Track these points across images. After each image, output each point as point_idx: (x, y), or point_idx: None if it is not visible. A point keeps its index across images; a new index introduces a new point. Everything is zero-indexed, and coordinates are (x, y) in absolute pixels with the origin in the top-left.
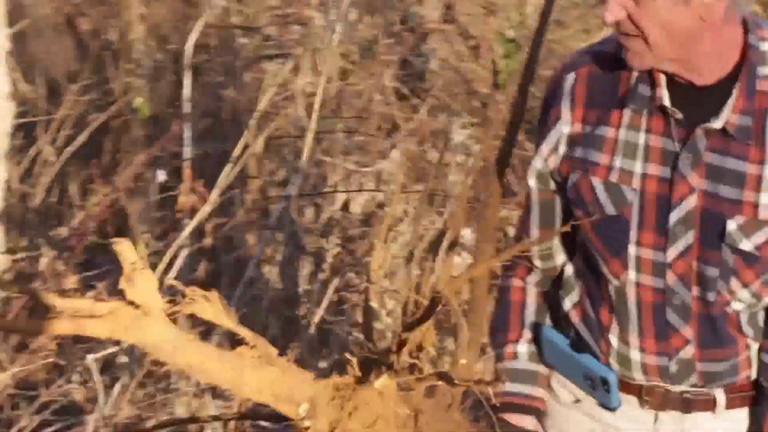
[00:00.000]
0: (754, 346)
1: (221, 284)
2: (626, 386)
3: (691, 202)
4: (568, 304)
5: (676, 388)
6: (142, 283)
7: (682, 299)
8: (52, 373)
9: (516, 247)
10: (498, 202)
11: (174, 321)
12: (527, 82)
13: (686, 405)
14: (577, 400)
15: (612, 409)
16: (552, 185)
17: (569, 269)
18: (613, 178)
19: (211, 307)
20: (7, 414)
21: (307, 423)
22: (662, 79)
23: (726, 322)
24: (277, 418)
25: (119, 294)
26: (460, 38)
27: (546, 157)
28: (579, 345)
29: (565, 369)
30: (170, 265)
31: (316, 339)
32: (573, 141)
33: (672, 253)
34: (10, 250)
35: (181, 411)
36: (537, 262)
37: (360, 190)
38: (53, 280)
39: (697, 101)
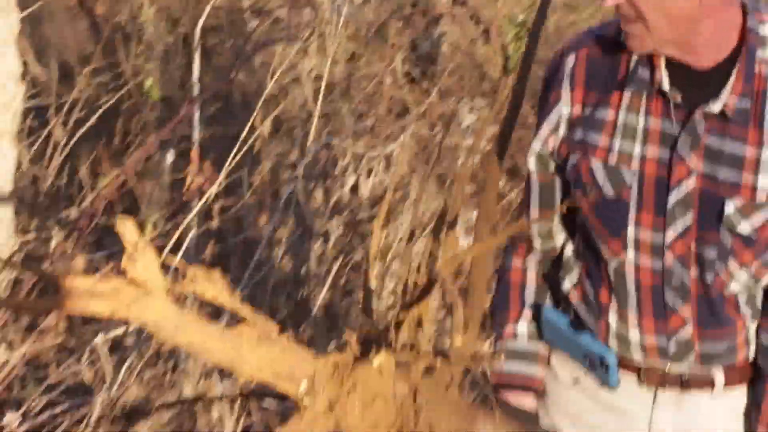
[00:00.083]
0: (752, 327)
1: (230, 266)
2: (625, 365)
3: (690, 184)
4: (567, 284)
5: (675, 368)
6: (144, 262)
7: (681, 280)
8: (62, 354)
9: (513, 227)
10: (497, 183)
11: (182, 302)
12: (528, 64)
13: (685, 384)
14: (577, 379)
15: (611, 388)
16: (552, 167)
17: (569, 250)
18: (612, 160)
19: (212, 286)
20: (16, 394)
21: (306, 400)
22: (662, 62)
23: (724, 303)
24: (280, 396)
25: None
26: (470, 22)
27: (545, 138)
28: (578, 325)
29: (565, 348)
30: (178, 246)
31: (325, 320)
32: (572, 123)
33: (671, 234)
34: (20, 232)
35: (188, 391)
36: (537, 243)
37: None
38: (62, 261)
39: (696, 84)
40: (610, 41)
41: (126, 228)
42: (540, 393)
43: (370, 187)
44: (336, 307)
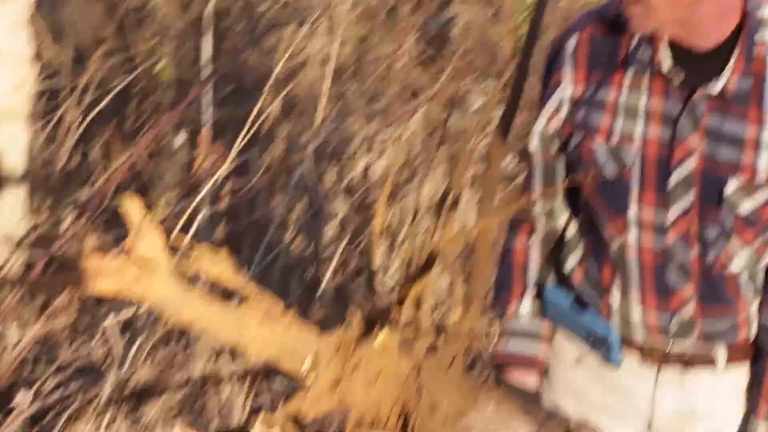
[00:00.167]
0: (754, 305)
1: (241, 246)
2: (628, 344)
3: (691, 164)
4: (570, 263)
5: (677, 346)
6: (149, 240)
7: (683, 259)
8: (74, 334)
9: (515, 205)
10: (500, 163)
11: (192, 282)
12: (530, 46)
13: (687, 363)
14: (580, 358)
15: (614, 367)
16: (554, 147)
17: (572, 229)
18: (614, 140)
19: (217, 264)
20: (28, 373)
21: (310, 378)
22: (663, 43)
23: (725, 282)
24: (288, 376)
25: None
26: (481, 3)
27: (548, 119)
28: (581, 304)
29: (568, 327)
30: (189, 226)
31: (336, 301)
32: (574, 104)
33: (672, 214)
34: (33, 213)
35: (199, 371)
36: (540, 223)
37: None
38: (74, 241)
39: (697, 65)
40: (611, 22)
41: (131, 207)
42: (543, 372)
43: (381, 169)
44: (347, 289)
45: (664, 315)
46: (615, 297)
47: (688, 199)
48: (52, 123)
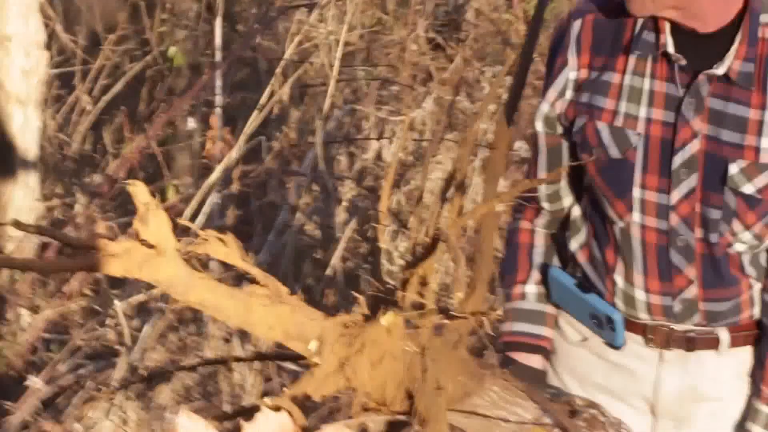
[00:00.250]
0: (757, 286)
1: (254, 230)
2: (631, 325)
3: (694, 146)
4: (574, 245)
5: (680, 327)
6: (155, 223)
7: (686, 241)
8: (86, 318)
9: (519, 187)
10: (506, 145)
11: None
12: (535, 30)
13: (690, 343)
14: (584, 339)
15: (617, 348)
16: (559, 130)
17: (576, 211)
18: (618, 122)
19: (223, 247)
20: (41, 356)
21: (316, 359)
22: (666, 26)
23: (728, 263)
24: (293, 357)
25: None
26: None
27: (553, 102)
28: (585, 285)
29: (572, 308)
30: (200, 210)
31: (349, 286)
32: (579, 86)
33: (676, 195)
34: (46, 197)
35: (210, 355)
36: (545, 205)
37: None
38: (85, 225)
39: (700, 48)
40: (615, 6)
41: (138, 190)
42: (548, 353)
43: (392, 153)
44: (357, 272)
45: (667, 296)
46: (618, 278)
47: (691, 180)
48: (65, 108)
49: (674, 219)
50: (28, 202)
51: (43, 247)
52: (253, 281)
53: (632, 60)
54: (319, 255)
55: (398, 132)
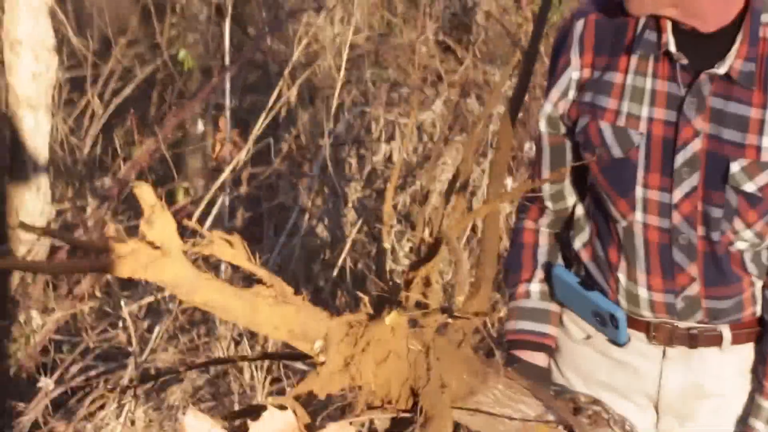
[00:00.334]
0: (758, 284)
1: (264, 232)
2: (634, 323)
3: (696, 145)
4: (578, 243)
5: (683, 325)
6: (160, 224)
7: (688, 239)
8: (97, 319)
9: (523, 186)
10: (509, 145)
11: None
12: (539, 31)
13: (693, 340)
14: (588, 337)
15: (621, 345)
16: (562, 129)
17: (580, 210)
18: (621, 121)
19: (230, 248)
20: (52, 358)
21: (321, 358)
22: (668, 25)
23: (730, 261)
24: (300, 357)
25: None
26: None
27: (556, 102)
28: (589, 283)
29: (576, 306)
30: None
31: (356, 286)
32: (582, 86)
33: (678, 194)
34: (57, 201)
35: (220, 356)
36: (549, 204)
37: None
38: (96, 228)
39: (702, 47)
40: (617, 6)
41: (143, 192)
42: (552, 351)
43: (404, 155)
44: (368, 273)
45: (670, 294)
46: (621, 276)
47: (693, 179)
48: (76, 112)
49: (676, 217)
50: (39, 206)
51: (54, 250)
52: (259, 282)
53: (634, 59)
54: (329, 256)
55: (406, 134)
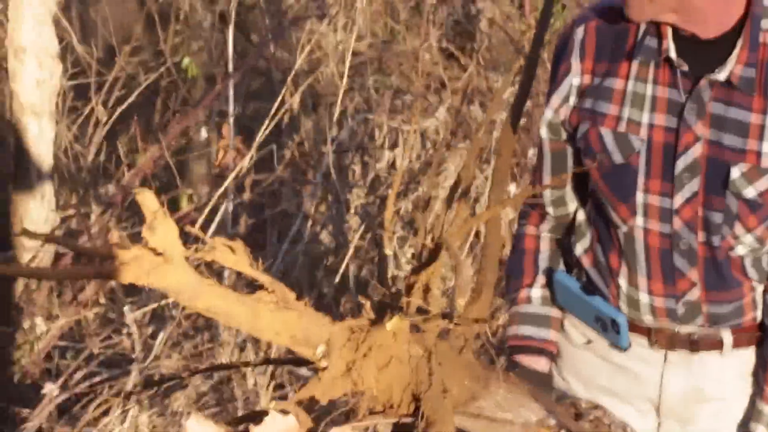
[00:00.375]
0: (759, 289)
1: (268, 239)
2: (635, 327)
3: (697, 150)
4: (579, 249)
5: (684, 329)
6: (163, 230)
7: (689, 244)
8: (102, 326)
9: (524, 192)
10: (511, 152)
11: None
12: (540, 38)
13: (694, 345)
14: (589, 341)
15: (622, 350)
16: (563, 135)
17: (581, 216)
18: (621, 128)
19: (232, 254)
20: (56, 364)
21: (323, 363)
22: (669, 32)
23: (731, 266)
24: (301, 362)
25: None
26: None
27: (557, 108)
28: (590, 288)
29: (577, 312)
30: (213, 218)
31: (360, 292)
32: (583, 92)
33: (678, 199)
34: (62, 208)
35: (223, 362)
36: (550, 210)
37: None
38: (100, 235)
39: (702, 53)
40: (618, 12)
41: (145, 198)
42: (553, 356)
43: (406, 162)
44: (371, 279)
45: (671, 299)
46: (623, 281)
47: (693, 184)
48: (81, 119)
49: (677, 222)
50: (43, 213)
51: (58, 257)
52: (261, 287)
53: (635, 66)
54: (333, 263)
55: (412, 140)
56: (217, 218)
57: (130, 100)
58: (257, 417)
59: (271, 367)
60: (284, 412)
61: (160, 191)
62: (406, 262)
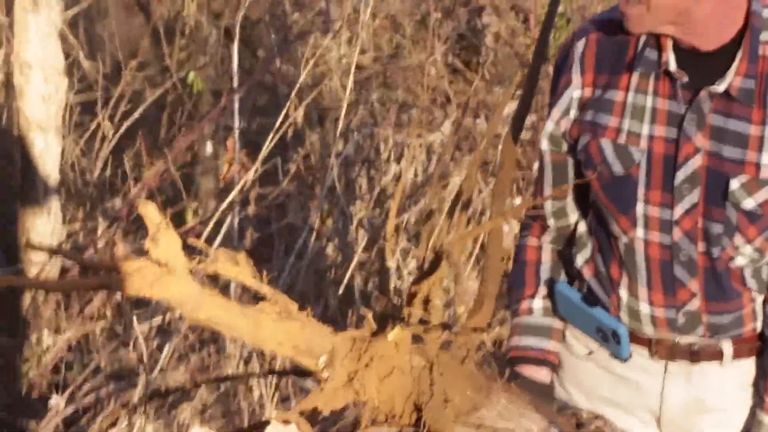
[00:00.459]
0: (759, 299)
1: (274, 252)
2: (636, 338)
3: (696, 161)
4: (580, 260)
5: (684, 340)
6: (165, 242)
7: (689, 255)
8: (110, 339)
9: (525, 203)
10: (513, 164)
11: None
12: (541, 50)
13: (694, 355)
14: (590, 352)
15: (623, 360)
16: (564, 147)
17: (581, 227)
18: (622, 139)
19: (234, 266)
20: (63, 377)
21: (326, 374)
22: (668, 44)
23: (730, 277)
24: (305, 372)
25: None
26: (511, 12)
27: (557, 120)
28: (591, 299)
29: (578, 322)
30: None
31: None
32: (583, 105)
33: (678, 210)
34: (68, 222)
35: (230, 374)
36: (551, 222)
37: None
38: (106, 249)
39: (702, 65)
40: (618, 25)
41: (148, 210)
42: (555, 366)
43: (411, 176)
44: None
45: (671, 309)
46: (623, 292)
47: (693, 196)
48: (88, 134)
49: (677, 233)
50: (49, 227)
51: (65, 271)
52: (265, 299)
53: (635, 78)
54: (339, 276)
55: (415, 155)
56: (223, 231)
57: (137, 115)
58: (260, 427)
59: (276, 379)
60: (286, 422)
61: (166, 205)
62: (408, 273)
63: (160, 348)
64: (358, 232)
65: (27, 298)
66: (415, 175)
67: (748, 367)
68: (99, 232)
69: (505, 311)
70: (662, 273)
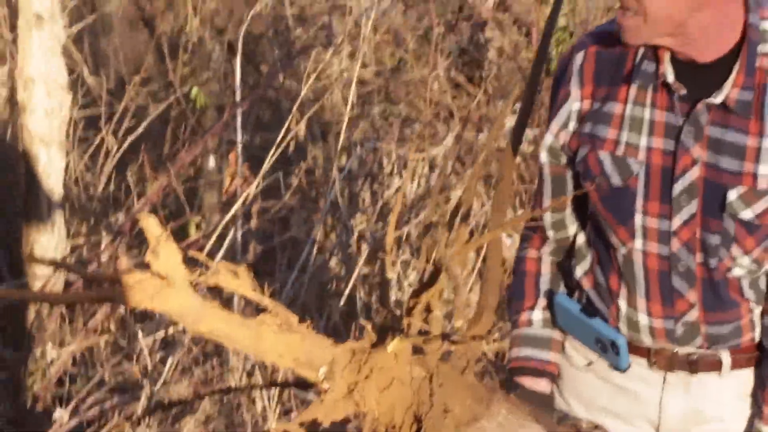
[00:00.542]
0: (757, 310)
1: (277, 266)
2: (635, 349)
3: (694, 173)
4: (579, 271)
5: (683, 350)
6: (166, 255)
7: (687, 265)
8: (114, 352)
9: (524, 215)
10: (512, 175)
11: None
12: (540, 64)
13: (693, 366)
14: (590, 363)
15: (622, 371)
16: (563, 159)
17: (581, 239)
18: (620, 151)
19: (234, 278)
20: (67, 390)
21: (326, 385)
22: (666, 56)
23: (728, 287)
24: (308, 384)
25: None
26: (514, 27)
27: (556, 133)
28: (590, 310)
29: (578, 333)
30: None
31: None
32: (582, 117)
33: (677, 221)
34: (72, 236)
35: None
36: (550, 233)
37: None
38: (109, 263)
39: (699, 77)
40: (616, 37)
41: (149, 223)
42: (554, 377)
43: (414, 190)
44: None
45: (670, 320)
46: (622, 303)
47: (691, 207)
48: (92, 149)
49: (675, 244)
50: (53, 242)
51: (68, 285)
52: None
53: (633, 90)
54: (341, 289)
55: (418, 169)
56: (226, 245)
57: (140, 130)
58: None
59: (279, 392)
60: None
61: (169, 219)
62: (409, 285)
63: (163, 361)
64: (360, 246)
65: (31, 312)
66: (418, 185)
67: (746, 377)
68: (103, 246)
69: (506, 323)
70: (661, 284)
